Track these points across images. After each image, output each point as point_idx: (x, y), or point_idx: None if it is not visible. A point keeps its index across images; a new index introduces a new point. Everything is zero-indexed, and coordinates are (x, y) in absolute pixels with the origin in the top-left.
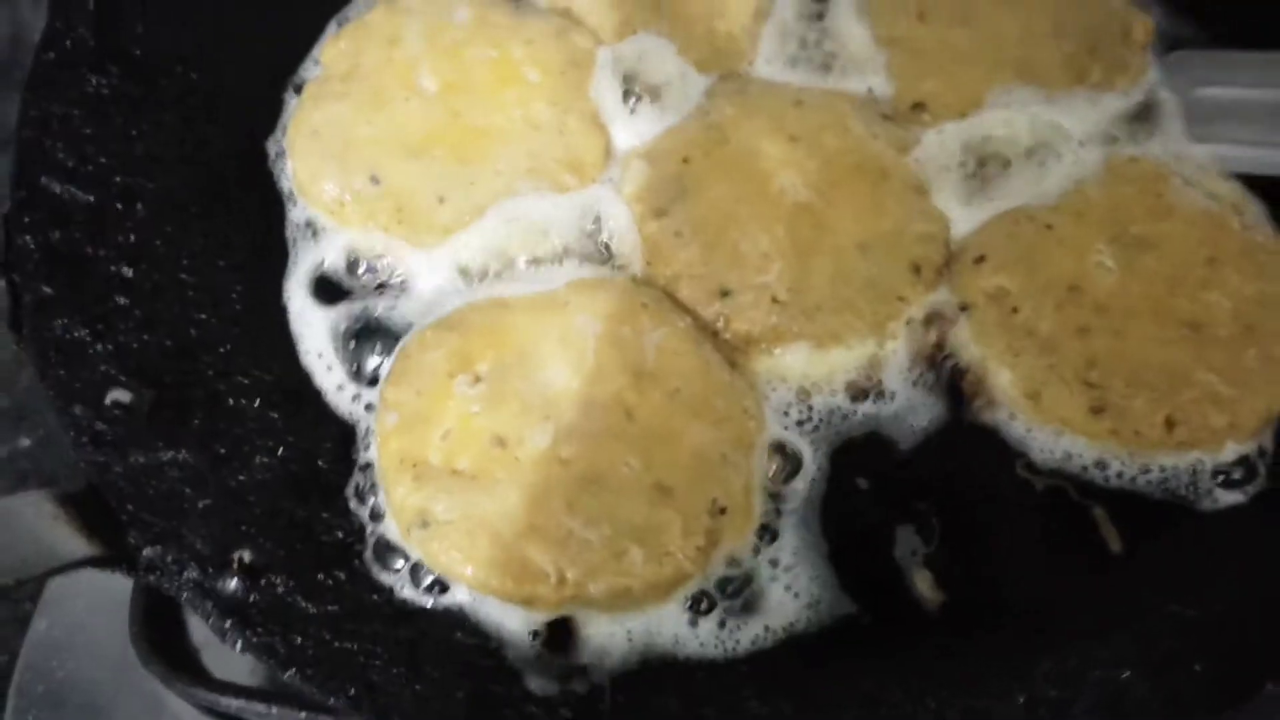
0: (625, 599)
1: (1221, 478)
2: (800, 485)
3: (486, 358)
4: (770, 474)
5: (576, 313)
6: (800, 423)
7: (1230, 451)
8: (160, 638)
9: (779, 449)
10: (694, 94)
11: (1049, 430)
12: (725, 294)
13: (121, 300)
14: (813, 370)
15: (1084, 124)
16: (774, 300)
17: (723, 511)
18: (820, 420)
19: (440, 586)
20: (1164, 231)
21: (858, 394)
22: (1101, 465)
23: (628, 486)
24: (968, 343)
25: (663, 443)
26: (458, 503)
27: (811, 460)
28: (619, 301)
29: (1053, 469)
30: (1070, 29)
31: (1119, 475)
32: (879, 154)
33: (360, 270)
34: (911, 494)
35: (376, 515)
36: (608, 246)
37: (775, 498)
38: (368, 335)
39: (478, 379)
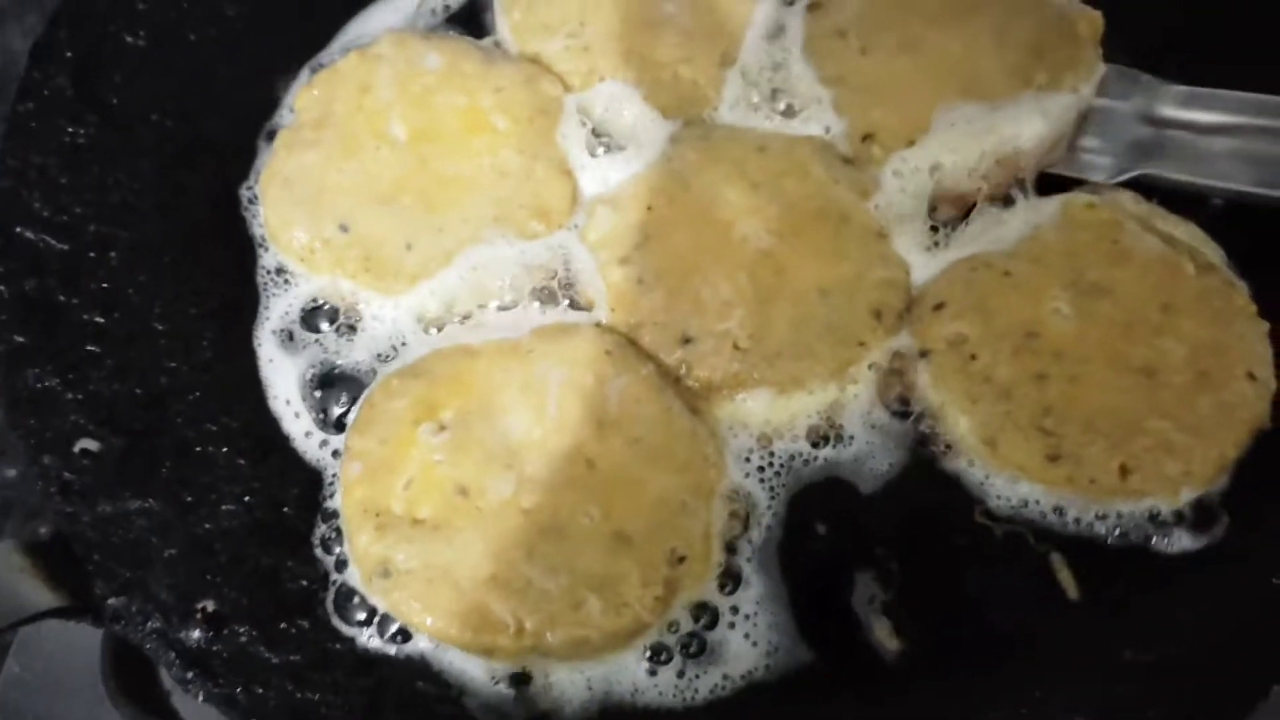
0: (584, 648)
1: (1178, 523)
2: (760, 532)
3: (451, 406)
4: (730, 521)
5: (540, 360)
6: (761, 469)
7: (1186, 497)
8: (131, 679)
9: (739, 495)
10: (659, 140)
11: (1006, 476)
12: (687, 341)
13: (93, 348)
14: (774, 416)
15: (1032, 128)
16: (735, 347)
17: (681, 560)
18: (781, 466)
19: (403, 635)
20: (1119, 278)
21: (818, 439)
22: (1059, 511)
23: (587, 536)
24: (927, 389)
25: (623, 491)
26: (419, 552)
27: (771, 506)
28: (582, 349)
29: (1010, 515)
30: (1013, 37)
31: (1076, 521)
32: (840, 199)
33: (329, 317)
34: (871, 540)
35: (341, 564)
36: (572, 292)
37: (735, 545)
38: (335, 382)
39: (442, 427)
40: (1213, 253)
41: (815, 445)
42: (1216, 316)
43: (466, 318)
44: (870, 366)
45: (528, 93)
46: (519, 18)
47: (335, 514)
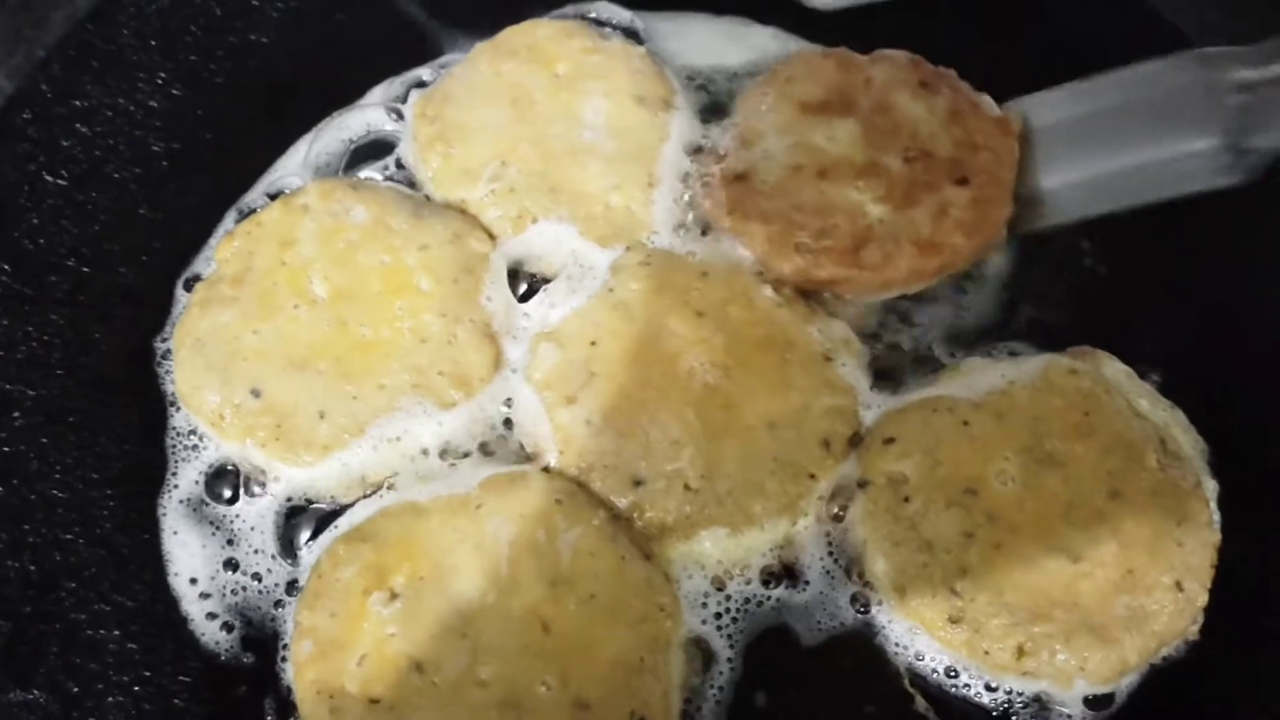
0: None
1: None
2: (717, 682)
3: (401, 571)
4: (687, 672)
5: (490, 516)
6: (719, 614)
7: (1081, 690)
8: None
9: (695, 644)
10: (599, 269)
11: (907, 626)
12: (638, 483)
13: None
14: (727, 555)
15: None
16: (686, 487)
17: None
18: (736, 610)
19: None
20: (1076, 453)
21: (770, 578)
22: (952, 673)
23: (546, 706)
24: (855, 521)
25: (580, 655)
26: None
27: (729, 657)
28: (533, 500)
29: (907, 665)
30: None
31: (966, 686)
32: (784, 324)
33: (239, 485)
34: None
35: None
36: (511, 440)
37: (691, 697)
38: (247, 555)
39: (394, 595)
40: (1191, 445)
41: (768, 585)
42: (1164, 516)
43: (392, 483)
44: (820, 497)
45: (454, 250)
46: (438, 165)
47: (234, 710)
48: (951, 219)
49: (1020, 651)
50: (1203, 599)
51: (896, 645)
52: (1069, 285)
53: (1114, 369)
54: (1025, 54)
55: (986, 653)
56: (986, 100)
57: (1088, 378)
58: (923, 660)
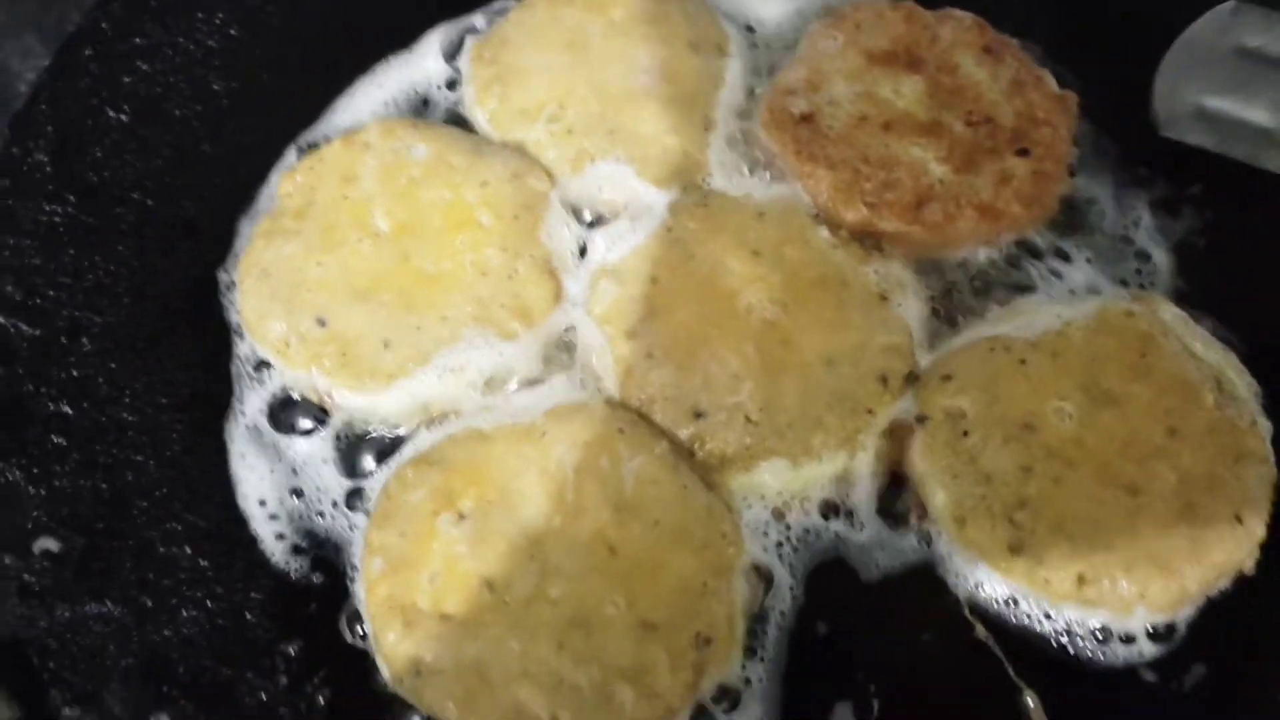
0: None
1: (1127, 641)
2: (778, 609)
3: (469, 494)
4: (749, 600)
5: (554, 444)
6: (779, 544)
7: (1141, 619)
8: None
9: (756, 571)
10: (657, 209)
11: (967, 557)
12: (699, 415)
13: (59, 441)
14: (788, 486)
15: None
16: (747, 420)
17: (707, 643)
18: (796, 540)
19: None
20: (1134, 392)
21: (829, 511)
22: (1011, 602)
23: (614, 626)
24: (915, 454)
25: (645, 577)
26: (449, 649)
27: (788, 584)
28: (596, 429)
29: (967, 596)
30: None
31: (1026, 615)
32: (839, 265)
33: (304, 411)
34: (857, 657)
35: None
36: (572, 372)
37: (755, 623)
38: (312, 480)
39: (461, 517)
40: (1245, 387)
41: (826, 518)
42: (1221, 453)
43: (455, 412)
44: (877, 433)
45: (514, 187)
46: (495, 107)
47: (305, 626)
48: (1012, 188)
49: (1081, 580)
50: (1261, 532)
51: (956, 576)
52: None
53: (1169, 312)
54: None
55: (1047, 581)
56: (1047, 75)
57: (1144, 320)
58: (982, 590)
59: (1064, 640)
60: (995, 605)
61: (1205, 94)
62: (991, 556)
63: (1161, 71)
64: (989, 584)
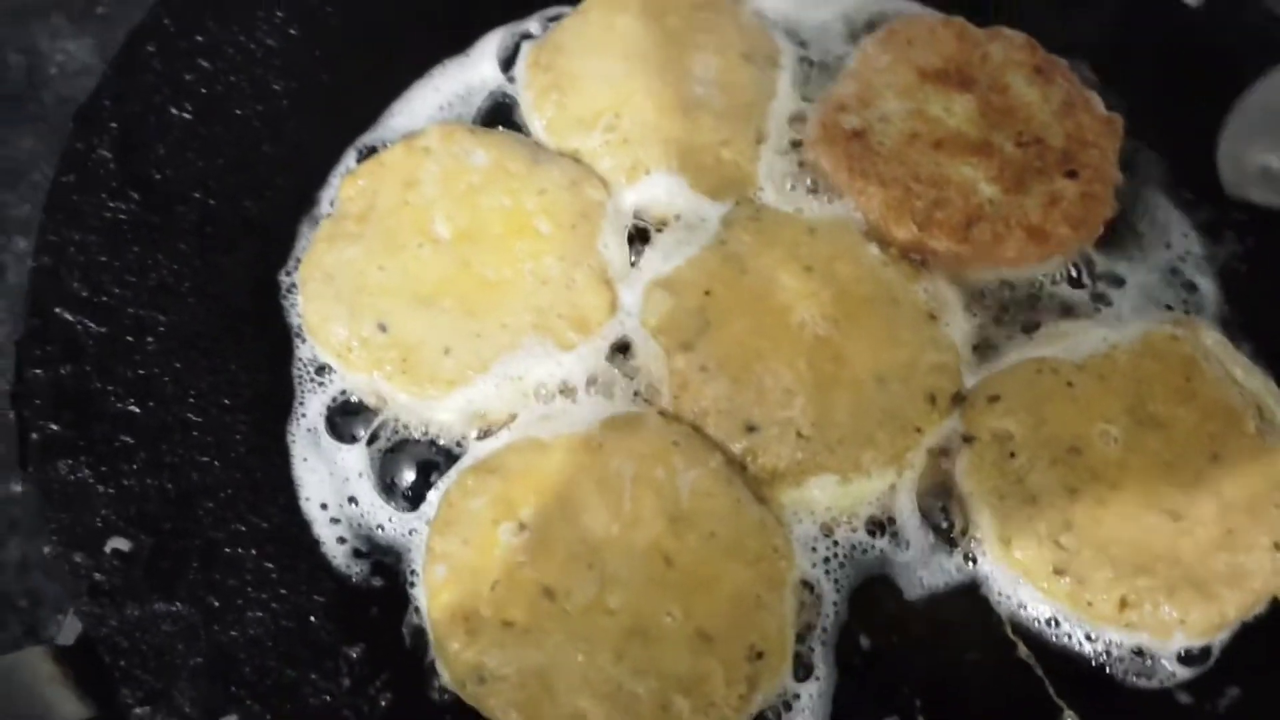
0: None
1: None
2: (824, 623)
3: (529, 503)
4: (798, 614)
5: (611, 454)
6: (827, 559)
7: (1180, 643)
8: None
9: (805, 585)
10: (710, 221)
11: (1011, 576)
12: (751, 429)
13: (126, 439)
14: (837, 502)
15: None
16: (799, 435)
17: (760, 655)
18: (843, 556)
19: None
20: (1178, 416)
21: (876, 527)
22: (1053, 622)
23: (671, 636)
24: (962, 474)
25: (701, 588)
26: (511, 657)
27: (835, 600)
28: (651, 441)
29: (1009, 615)
30: None
31: (1068, 636)
32: (890, 282)
33: (365, 416)
34: (901, 673)
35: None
36: (626, 383)
37: (802, 636)
38: (373, 485)
39: (522, 526)
40: None
41: (872, 534)
42: (1263, 479)
43: (503, 425)
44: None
45: (571, 196)
46: (552, 114)
47: (366, 629)
48: (1060, 210)
49: (1123, 603)
50: None
51: (999, 595)
52: (1166, 256)
53: (1211, 337)
54: (1134, 48)
55: (1090, 604)
56: (1095, 97)
57: (1188, 344)
58: (1025, 610)
59: (1103, 660)
60: (1037, 625)
61: (1272, 154)
62: (1036, 577)
63: (1226, 134)
64: (1032, 604)
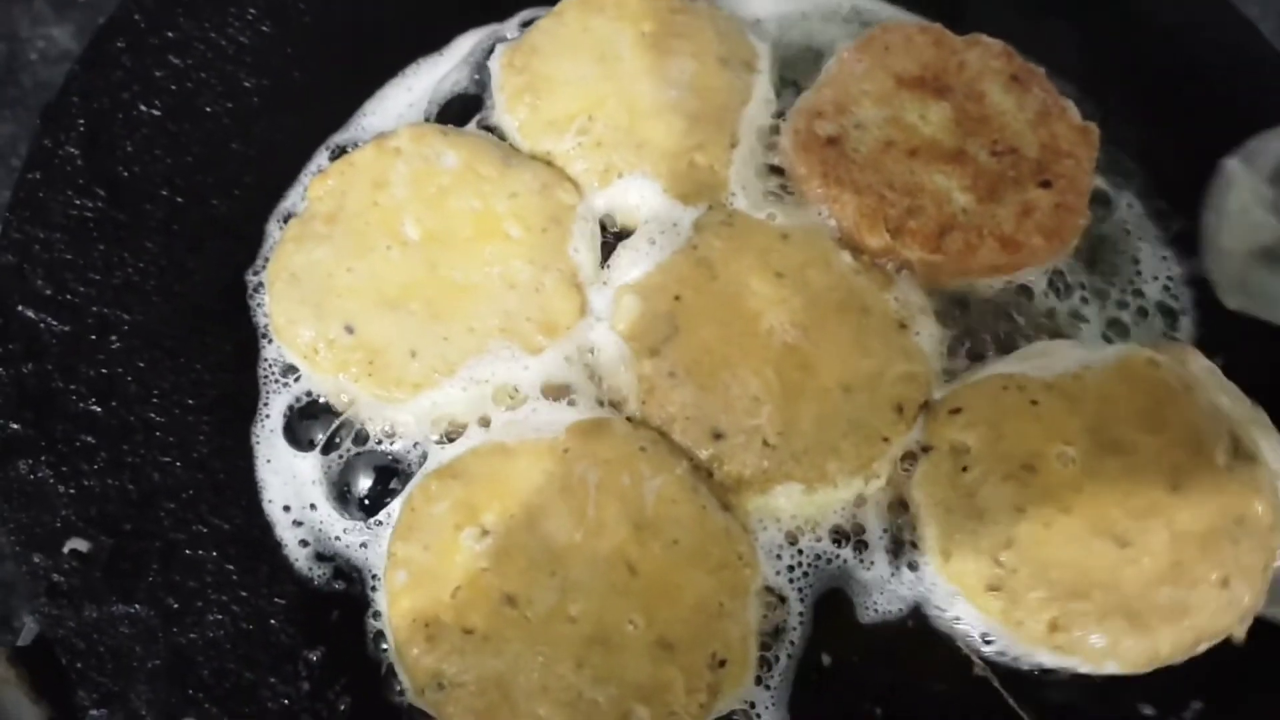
0: None
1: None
2: (789, 633)
3: (492, 509)
4: (761, 622)
5: (576, 460)
6: (791, 568)
7: (1111, 670)
8: None
9: (772, 594)
10: (683, 228)
11: (948, 590)
12: (718, 436)
13: (88, 439)
14: (802, 510)
15: None
16: (765, 443)
17: (722, 664)
18: (808, 565)
19: None
20: (1143, 443)
21: (841, 538)
22: (986, 639)
23: (632, 644)
24: (915, 485)
25: (664, 597)
26: (471, 664)
27: (798, 610)
28: (617, 447)
29: (947, 628)
30: None
31: (1000, 654)
32: (861, 290)
33: (330, 418)
34: (861, 685)
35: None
36: (592, 389)
37: (766, 644)
38: (335, 488)
39: (485, 532)
40: (1271, 448)
41: (838, 543)
42: (1222, 514)
43: (479, 423)
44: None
45: (542, 200)
46: (525, 116)
47: (327, 633)
48: (1034, 220)
49: (1053, 626)
50: (1250, 599)
51: (937, 608)
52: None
53: (1198, 363)
54: (1110, 57)
55: (1020, 623)
56: (1071, 106)
57: (1167, 371)
58: (960, 624)
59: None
60: (968, 639)
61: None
62: (971, 591)
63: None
64: (967, 618)
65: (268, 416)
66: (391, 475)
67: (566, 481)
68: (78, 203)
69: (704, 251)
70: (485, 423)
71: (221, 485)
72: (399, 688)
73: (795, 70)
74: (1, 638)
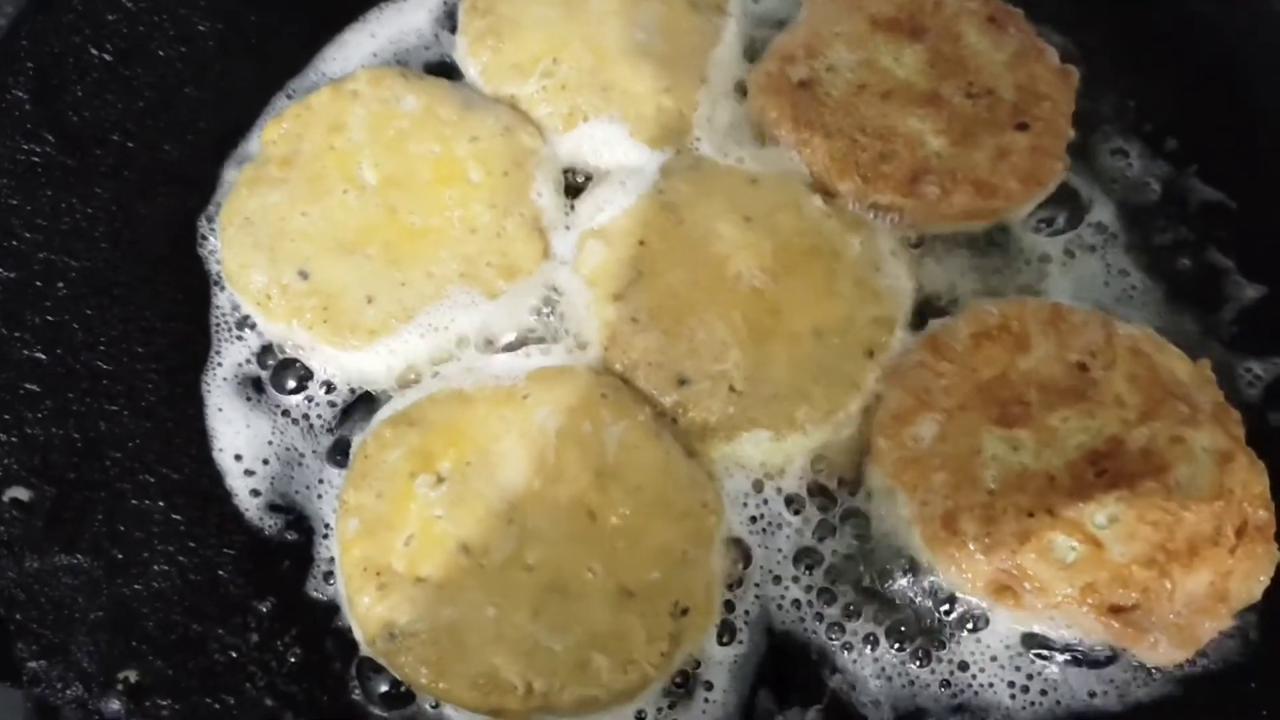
0: (592, 706)
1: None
2: (752, 584)
3: (447, 456)
4: (726, 571)
5: (536, 407)
6: (754, 518)
7: None
8: None
9: (735, 543)
10: (648, 170)
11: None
12: (683, 382)
13: (32, 387)
14: (770, 458)
15: None
16: (731, 389)
17: (685, 612)
18: (773, 517)
19: (401, 698)
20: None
21: (813, 489)
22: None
23: (591, 592)
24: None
25: (625, 544)
26: (424, 613)
27: (762, 561)
28: (579, 393)
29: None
30: None
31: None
32: (831, 235)
33: (284, 366)
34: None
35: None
36: (561, 331)
37: (731, 594)
38: (289, 436)
39: (440, 479)
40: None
41: (811, 493)
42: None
43: (436, 370)
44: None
45: (504, 143)
46: (488, 59)
47: (277, 584)
48: (1009, 163)
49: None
50: None
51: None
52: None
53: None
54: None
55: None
56: (1050, 49)
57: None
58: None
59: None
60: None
61: None
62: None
63: None
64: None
65: (220, 365)
66: (347, 423)
67: (525, 428)
68: (25, 147)
69: (670, 196)
70: (442, 370)
71: (170, 434)
72: (352, 638)
73: (769, 14)
74: None
